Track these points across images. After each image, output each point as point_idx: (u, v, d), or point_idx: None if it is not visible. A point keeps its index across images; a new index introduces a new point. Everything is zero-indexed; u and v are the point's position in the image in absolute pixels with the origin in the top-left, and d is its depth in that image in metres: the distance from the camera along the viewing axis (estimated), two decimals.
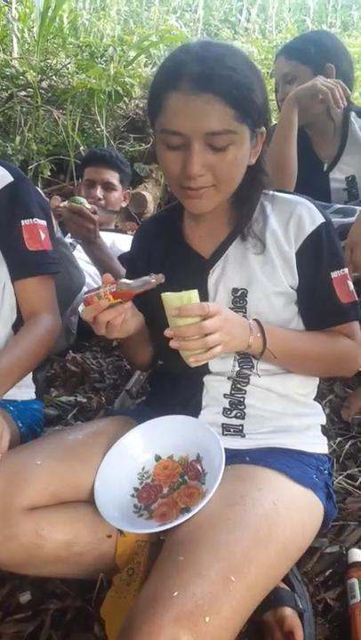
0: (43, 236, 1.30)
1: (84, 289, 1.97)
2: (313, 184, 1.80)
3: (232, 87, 0.93)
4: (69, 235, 2.13)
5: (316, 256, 1.09)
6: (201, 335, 0.93)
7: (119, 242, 2.26)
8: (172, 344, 0.95)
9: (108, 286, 0.97)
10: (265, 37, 5.48)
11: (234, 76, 0.94)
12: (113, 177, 2.36)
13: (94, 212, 1.82)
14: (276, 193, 1.14)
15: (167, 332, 0.95)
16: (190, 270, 1.14)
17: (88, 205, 1.82)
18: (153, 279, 0.96)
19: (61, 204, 1.80)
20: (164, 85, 0.97)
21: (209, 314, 0.93)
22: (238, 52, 1.00)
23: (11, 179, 1.28)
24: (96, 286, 0.99)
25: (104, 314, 0.98)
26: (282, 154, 1.73)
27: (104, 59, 3.72)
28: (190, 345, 0.94)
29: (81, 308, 2.02)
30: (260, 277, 1.08)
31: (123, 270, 1.78)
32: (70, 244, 2.09)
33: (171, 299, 0.95)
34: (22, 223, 1.27)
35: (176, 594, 0.75)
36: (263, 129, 1.03)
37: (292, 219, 1.09)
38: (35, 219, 1.29)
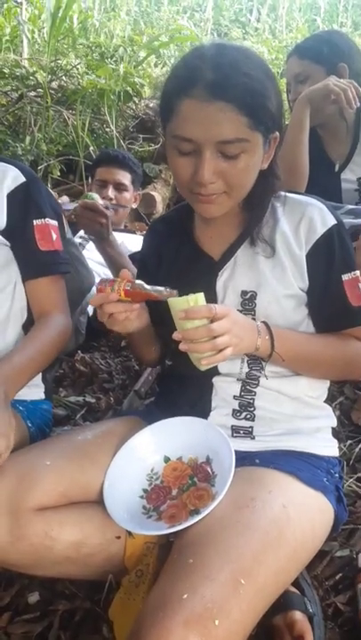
0: (54, 236, 1.30)
1: (94, 289, 1.98)
2: (324, 185, 1.79)
3: (246, 95, 0.91)
4: (79, 234, 2.13)
5: (326, 258, 1.08)
6: (210, 337, 0.93)
7: (128, 242, 2.26)
8: (182, 347, 0.94)
9: (124, 282, 0.97)
10: (275, 37, 5.47)
11: (248, 84, 0.92)
12: (125, 177, 2.36)
13: (106, 208, 1.82)
14: (287, 194, 1.13)
15: (175, 336, 0.94)
16: (199, 271, 1.13)
17: (100, 201, 1.82)
18: (166, 292, 0.96)
19: (73, 206, 1.80)
20: (178, 91, 0.95)
21: (216, 316, 0.93)
22: (254, 57, 0.98)
23: (23, 179, 1.28)
24: (112, 278, 0.99)
25: (110, 306, 0.98)
26: (293, 155, 1.72)
27: (114, 59, 3.73)
28: (199, 347, 0.93)
29: (91, 306, 2.02)
30: (269, 280, 1.08)
31: (134, 269, 1.78)
32: (80, 243, 2.09)
33: (177, 302, 0.94)
34: (34, 223, 1.27)
35: (185, 596, 0.75)
36: (277, 134, 1.01)
37: (303, 220, 1.08)
38: (46, 219, 1.29)
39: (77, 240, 2.11)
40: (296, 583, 1.01)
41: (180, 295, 0.95)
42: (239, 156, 0.95)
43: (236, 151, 0.94)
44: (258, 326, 1.02)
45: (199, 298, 0.94)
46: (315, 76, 1.81)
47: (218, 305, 0.95)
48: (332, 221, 1.08)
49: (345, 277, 1.09)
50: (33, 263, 1.28)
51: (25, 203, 1.27)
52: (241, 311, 1.07)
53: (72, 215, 1.77)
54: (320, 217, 1.08)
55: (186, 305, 0.93)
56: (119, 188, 2.34)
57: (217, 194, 0.99)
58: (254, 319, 1.07)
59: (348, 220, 1.47)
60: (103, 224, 1.80)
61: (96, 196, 1.85)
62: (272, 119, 0.97)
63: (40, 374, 1.34)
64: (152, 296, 0.97)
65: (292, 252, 1.08)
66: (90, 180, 2.52)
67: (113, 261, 1.91)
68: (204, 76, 0.92)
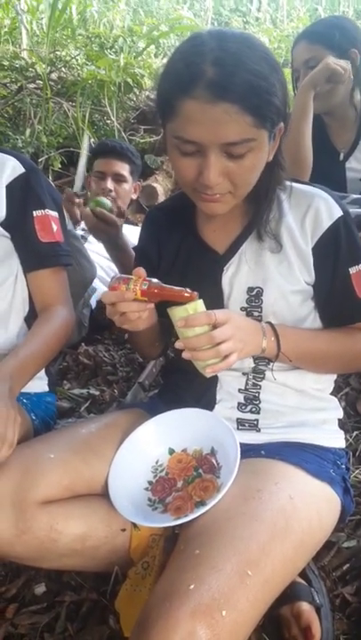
0: (55, 227, 1.29)
1: (96, 281, 1.97)
2: (329, 173, 1.77)
3: (252, 94, 0.85)
4: (81, 227, 2.12)
5: (333, 252, 1.05)
6: (212, 344, 0.91)
7: (130, 234, 2.24)
8: (185, 355, 0.93)
9: (140, 281, 0.93)
10: (276, 27, 5.41)
11: (254, 82, 0.85)
12: (123, 169, 2.34)
13: (118, 210, 1.78)
14: (293, 184, 1.09)
15: (178, 345, 0.93)
16: (204, 266, 1.11)
17: (109, 204, 1.79)
18: (187, 294, 0.93)
19: (82, 206, 1.77)
20: (177, 90, 0.88)
21: (217, 322, 0.91)
22: (257, 47, 0.90)
23: (22, 170, 1.26)
24: (126, 275, 0.95)
25: (124, 305, 0.94)
26: (297, 143, 1.70)
27: (114, 50, 3.70)
28: (202, 355, 0.92)
29: (94, 298, 2.01)
30: (275, 276, 1.05)
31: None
32: (82, 236, 2.08)
33: (176, 311, 0.93)
34: (34, 214, 1.26)
35: (192, 587, 0.74)
36: (281, 124, 0.96)
37: (308, 213, 1.05)
38: (46, 209, 1.28)
39: (79, 232, 2.10)
40: (303, 574, 1.01)
41: (186, 284, 0.94)
42: (245, 155, 0.91)
43: (243, 151, 0.90)
44: (263, 327, 1.01)
45: (198, 305, 0.93)
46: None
47: (218, 311, 0.93)
48: (338, 213, 1.06)
49: (352, 270, 1.07)
50: (33, 255, 1.27)
51: (24, 193, 1.26)
52: (247, 308, 1.06)
53: (79, 217, 1.74)
54: (326, 209, 1.05)
55: (185, 313, 0.92)
56: (118, 179, 2.32)
57: (222, 193, 0.96)
58: (261, 316, 1.05)
59: (353, 210, 1.46)
60: (113, 234, 1.77)
61: (106, 201, 1.81)
62: (278, 113, 0.92)
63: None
64: (170, 297, 0.94)
65: (298, 245, 1.05)
66: (89, 172, 2.50)
67: (121, 263, 1.88)
68: (205, 73, 0.85)
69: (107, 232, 1.74)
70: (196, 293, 0.93)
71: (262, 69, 0.87)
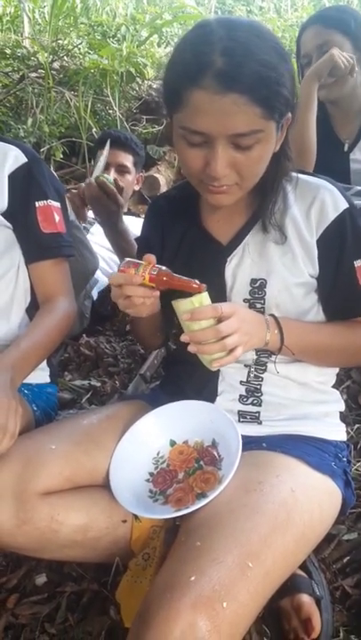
0: (57, 218, 1.28)
1: (98, 273, 1.96)
2: (333, 165, 1.76)
3: (261, 85, 0.84)
4: (91, 214, 2.10)
5: (338, 244, 1.04)
6: (218, 338, 0.90)
7: (132, 225, 2.23)
8: (191, 349, 0.92)
9: (150, 267, 0.93)
10: (280, 16, 5.35)
11: (263, 72, 0.83)
12: (127, 160, 2.32)
13: (118, 187, 1.77)
14: (299, 175, 1.08)
15: (183, 338, 0.92)
16: (207, 257, 1.10)
17: (112, 179, 1.78)
18: (195, 285, 0.92)
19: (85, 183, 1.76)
20: (185, 80, 0.86)
21: (223, 315, 0.91)
22: (266, 35, 0.88)
23: (25, 159, 1.25)
24: (136, 260, 0.95)
25: (131, 288, 0.94)
26: (301, 134, 1.69)
27: (116, 38, 3.66)
28: (208, 349, 0.91)
29: (96, 290, 2.01)
30: (279, 268, 1.04)
31: None
32: (84, 227, 2.07)
33: (182, 304, 0.92)
34: (36, 205, 1.25)
35: (193, 579, 0.74)
36: (289, 115, 0.95)
37: (314, 204, 1.04)
38: (49, 200, 1.26)
39: (87, 221, 2.09)
40: (304, 566, 1.01)
41: (189, 274, 0.93)
42: (253, 146, 0.90)
43: (251, 142, 0.89)
44: (266, 320, 1.00)
45: (204, 298, 0.92)
46: (341, 47, 1.72)
47: (224, 304, 0.92)
48: (343, 205, 1.04)
49: (357, 263, 1.06)
50: (35, 246, 1.26)
51: (27, 184, 1.25)
52: (250, 300, 1.05)
53: (83, 192, 1.72)
54: (332, 201, 1.04)
55: (190, 306, 0.91)
56: (121, 170, 2.31)
57: (229, 185, 0.95)
58: (263, 308, 1.05)
59: (358, 202, 1.44)
60: (114, 211, 1.76)
61: (110, 178, 1.80)
62: (286, 104, 0.90)
63: None
64: (178, 286, 0.93)
65: (303, 237, 1.04)
66: (92, 162, 2.49)
67: (121, 249, 1.88)
68: (214, 63, 0.83)
69: (107, 207, 1.73)
70: (204, 285, 0.92)
71: (272, 59, 0.85)
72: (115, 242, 1.88)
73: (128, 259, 0.96)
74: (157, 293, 0.96)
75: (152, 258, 0.95)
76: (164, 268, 0.93)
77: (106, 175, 1.78)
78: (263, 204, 1.04)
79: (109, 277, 0.97)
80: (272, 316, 1.02)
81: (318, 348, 1.07)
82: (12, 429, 0.98)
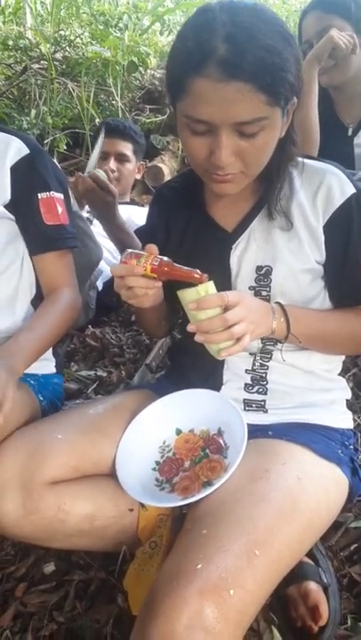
0: (60, 209, 1.27)
1: (102, 263, 1.95)
2: (336, 150, 1.74)
3: (265, 72, 0.82)
4: (86, 209, 2.10)
5: (345, 230, 1.03)
6: (225, 327, 0.90)
7: (136, 215, 2.22)
8: (197, 338, 0.91)
9: (152, 258, 0.93)
10: (284, 2, 5.28)
11: (267, 59, 0.81)
12: (126, 148, 2.30)
13: (109, 178, 1.77)
14: (305, 160, 1.06)
15: (190, 328, 0.91)
16: (212, 244, 1.09)
17: (105, 175, 1.78)
18: (197, 275, 0.92)
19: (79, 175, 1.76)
20: (188, 68, 0.85)
21: (229, 303, 0.90)
22: (271, 19, 0.85)
23: (27, 151, 1.24)
24: (138, 251, 0.95)
25: (132, 279, 0.93)
26: (302, 118, 1.66)
27: (118, 27, 3.62)
28: (215, 338, 0.91)
29: (101, 280, 2.00)
30: (285, 254, 1.03)
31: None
32: (87, 218, 2.06)
33: (187, 293, 0.91)
34: (39, 196, 1.24)
35: (200, 566, 0.74)
36: (295, 99, 0.93)
37: (320, 190, 1.03)
38: (52, 192, 1.25)
39: (85, 214, 2.08)
40: (310, 554, 1.01)
41: (194, 262, 0.92)
42: (258, 133, 0.88)
43: (255, 130, 0.87)
44: (273, 308, 0.99)
45: (209, 287, 0.91)
46: (344, 32, 1.69)
47: (230, 292, 0.91)
48: (351, 190, 1.02)
49: None
50: (39, 238, 1.26)
51: (29, 175, 1.24)
52: (255, 287, 1.04)
53: (77, 186, 1.72)
54: (339, 186, 1.02)
55: (196, 295, 0.90)
56: (121, 158, 2.29)
57: (234, 173, 0.94)
58: (269, 295, 1.04)
59: None
60: (110, 202, 1.76)
61: (102, 173, 1.80)
62: (291, 89, 0.88)
63: (51, 348, 1.33)
64: (179, 277, 0.93)
65: (309, 223, 1.03)
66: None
67: (120, 242, 1.87)
68: (217, 50, 0.81)
69: (102, 198, 1.72)
70: (206, 275, 0.92)
71: (276, 44, 0.83)
72: (114, 235, 1.88)
73: (130, 250, 0.96)
74: (160, 284, 0.96)
75: (154, 248, 0.94)
76: (165, 258, 0.93)
77: (98, 170, 1.78)
78: (269, 190, 1.03)
79: (111, 269, 0.96)
80: (278, 303, 1.01)
81: (325, 336, 1.06)
82: (7, 408, 0.96)
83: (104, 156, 2.27)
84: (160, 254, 0.94)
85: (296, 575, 0.94)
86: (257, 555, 0.78)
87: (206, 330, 0.90)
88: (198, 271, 0.92)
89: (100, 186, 1.71)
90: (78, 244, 1.35)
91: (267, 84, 0.83)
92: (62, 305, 1.23)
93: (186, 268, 0.92)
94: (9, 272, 1.26)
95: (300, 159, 1.05)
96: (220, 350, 0.93)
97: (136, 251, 0.95)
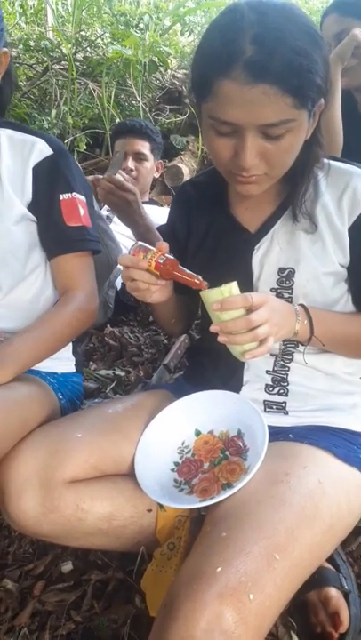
0: (82, 211, 1.25)
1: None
2: (358, 151, 1.71)
3: (292, 74, 0.81)
4: (105, 207, 2.10)
5: None
6: (249, 328, 0.88)
7: (154, 215, 2.22)
8: (221, 339, 0.90)
9: (158, 255, 0.93)
10: (306, 2, 5.25)
11: (295, 61, 0.80)
12: (144, 147, 2.30)
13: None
14: (331, 162, 1.05)
15: (213, 328, 0.90)
16: (234, 245, 1.08)
17: (122, 178, 1.77)
18: (197, 281, 0.92)
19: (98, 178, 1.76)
20: (215, 70, 0.84)
21: (253, 305, 0.88)
22: (299, 19, 0.84)
23: (50, 151, 1.22)
24: (148, 246, 0.95)
25: (136, 272, 0.94)
26: (327, 120, 1.64)
27: (139, 28, 3.63)
28: (239, 339, 0.89)
29: (120, 280, 2.00)
30: (308, 257, 1.02)
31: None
32: (107, 216, 2.06)
33: (211, 294, 0.90)
34: (61, 198, 1.22)
35: (220, 570, 0.74)
36: (322, 101, 0.91)
37: (346, 192, 1.01)
38: (74, 193, 1.24)
39: (105, 213, 2.08)
40: (331, 559, 0.99)
41: (212, 276, 0.91)
42: (283, 135, 0.87)
43: (281, 132, 0.86)
44: (296, 310, 0.98)
45: (233, 287, 0.90)
46: None
47: (254, 293, 0.90)
48: None
49: None
50: (58, 239, 1.23)
51: (51, 176, 1.23)
52: (277, 289, 1.03)
53: (96, 190, 1.72)
54: None
55: (220, 296, 0.89)
56: (139, 158, 2.29)
57: (258, 175, 0.93)
58: (291, 297, 1.03)
59: None
60: (132, 201, 1.75)
61: (120, 177, 1.80)
62: (319, 91, 0.87)
63: (70, 347, 1.33)
64: (180, 279, 0.93)
65: (334, 225, 1.01)
66: (111, 153, 2.48)
67: (146, 241, 1.86)
68: (244, 52, 0.80)
69: (123, 199, 1.71)
70: (206, 283, 0.92)
71: (304, 45, 0.82)
72: (142, 237, 1.86)
73: (141, 243, 0.96)
74: (163, 282, 0.96)
75: (164, 245, 0.94)
76: (172, 257, 0.93)
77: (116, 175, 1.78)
78: (293, 192, 1.02)
79: (119, 257, 0.96)
80: (301, 305, 1.00)
81: (348, 339, 1.04)
82: None
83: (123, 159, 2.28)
84: (181, 252, 0.93)
85: (316, 580, 0.93)
86: (277, 559, 0.77)
87: (230, 331, 0.89)
88: (199, 277, 0.92)
89: (117, 186, 1.70)
90: (101, 249, 1.32)
91: (294, 87, 0.82)
92: (70, 309, 1.19)
93: (189, 271, 0.93)
94: (34, 274, 1.25)
95: (325, 160, 1.04)
96: (244, 352, 0.91)
97: (146, 245, 0.95)
